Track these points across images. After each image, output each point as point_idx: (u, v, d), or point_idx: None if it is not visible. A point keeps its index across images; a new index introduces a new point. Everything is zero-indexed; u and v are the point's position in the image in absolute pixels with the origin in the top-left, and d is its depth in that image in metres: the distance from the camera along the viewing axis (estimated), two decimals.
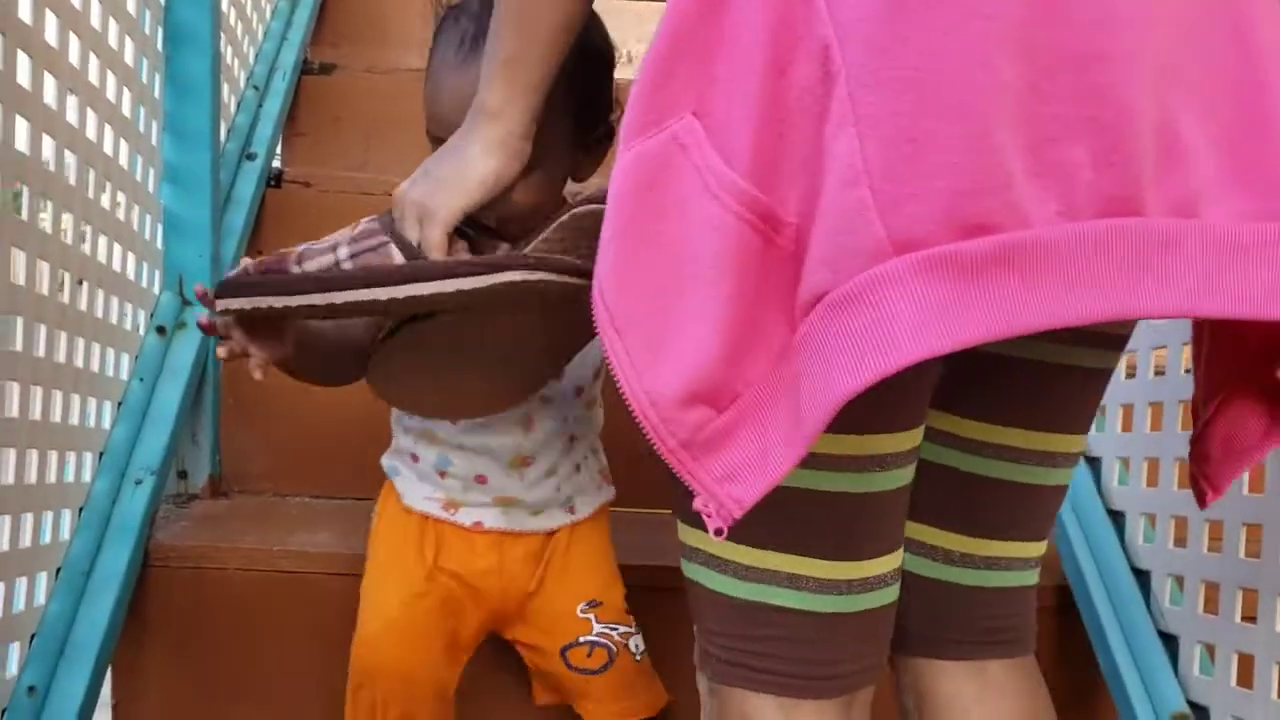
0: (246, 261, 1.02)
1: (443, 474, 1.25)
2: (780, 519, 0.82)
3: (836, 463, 0.82)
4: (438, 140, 1.09)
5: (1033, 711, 1.00)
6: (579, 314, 0.93)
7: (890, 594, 0.89)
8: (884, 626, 0.90)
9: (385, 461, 1.32)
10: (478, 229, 1.04)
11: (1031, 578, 1.03)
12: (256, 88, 2.14)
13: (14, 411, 1.19)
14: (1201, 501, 0.89)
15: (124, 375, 1.53)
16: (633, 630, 1.29)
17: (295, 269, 1.00)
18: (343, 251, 1.02)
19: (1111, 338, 0.95)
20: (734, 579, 0.86)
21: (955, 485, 0.97)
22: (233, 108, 2.00)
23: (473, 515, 1.25)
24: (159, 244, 1.66)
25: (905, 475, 0.87)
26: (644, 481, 1.36)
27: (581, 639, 1.27)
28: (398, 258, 0.98)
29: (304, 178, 2.08)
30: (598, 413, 1.31)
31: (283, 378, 1.14)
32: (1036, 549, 1.02)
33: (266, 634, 1.49)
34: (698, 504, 0.71)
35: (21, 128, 1.19)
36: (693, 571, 0.90)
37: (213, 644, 1.49)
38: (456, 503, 1.26)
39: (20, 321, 1.20)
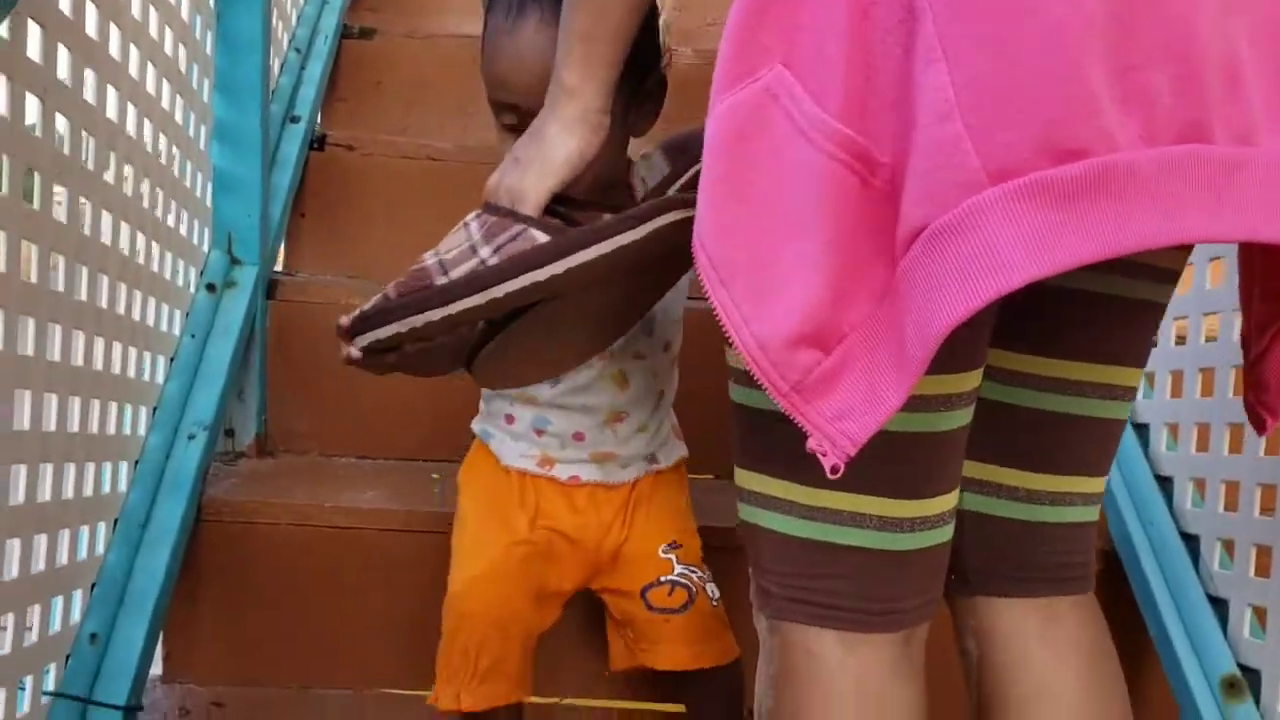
0: (388, 288, 1.00)
1: (540, 432, 1.27)
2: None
3: (905, 403, 0.83)
4: (497, 104, 1.11)
5: (1097, 646, 1.01)
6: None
7: (947, 532, 0.90)
8: (941, 563, 0.91)
9: (477, 426, 1.34)
10: (567, 205, 1.04)
11: (1093, 514, 1.03)
12: (299, 51, 2.14)
13: (79, 360, 1.20)
14: (1260, 427, 0.90)
15: (175, 331, 1.54)
16: (708, 578, 1.31)
17: (441, 279, 0.96)
18: (485, 251, 0.97)
19: (1166, 271, 0.96)
20: (797, 519, 0.87)
21: (1017, 421, 0.98)
22: (276, 70, 2.01)
23: (569, 470, 1.28)
24: (208, 202, 1.67)
25: (966, 415, 0.87)
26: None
27: (663, 578, 1.29)
28: (542, 238, 0.96)
29: (347, 141, 2.08)
30: (675, 372, 1.34)
31: (333, 338, 1.17)
32: (1097, 484, 1.02)
33: (317, 588, 1.51)
34: (811, 444, 0.72)
35: (89, 78, 1.20)
36: (752, 515, 0.91)
37: (263, 598, 1.51)
38: (552, 459, 1.28)
39: (85, 271, 1.21)
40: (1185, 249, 0.99)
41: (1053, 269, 0.63)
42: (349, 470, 1.72)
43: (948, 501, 0.88)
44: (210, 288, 1.63)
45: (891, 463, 0.85)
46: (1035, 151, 0.64)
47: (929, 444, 0.85)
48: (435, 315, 0.92)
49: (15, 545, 1.08)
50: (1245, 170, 0.66)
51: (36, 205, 1.09)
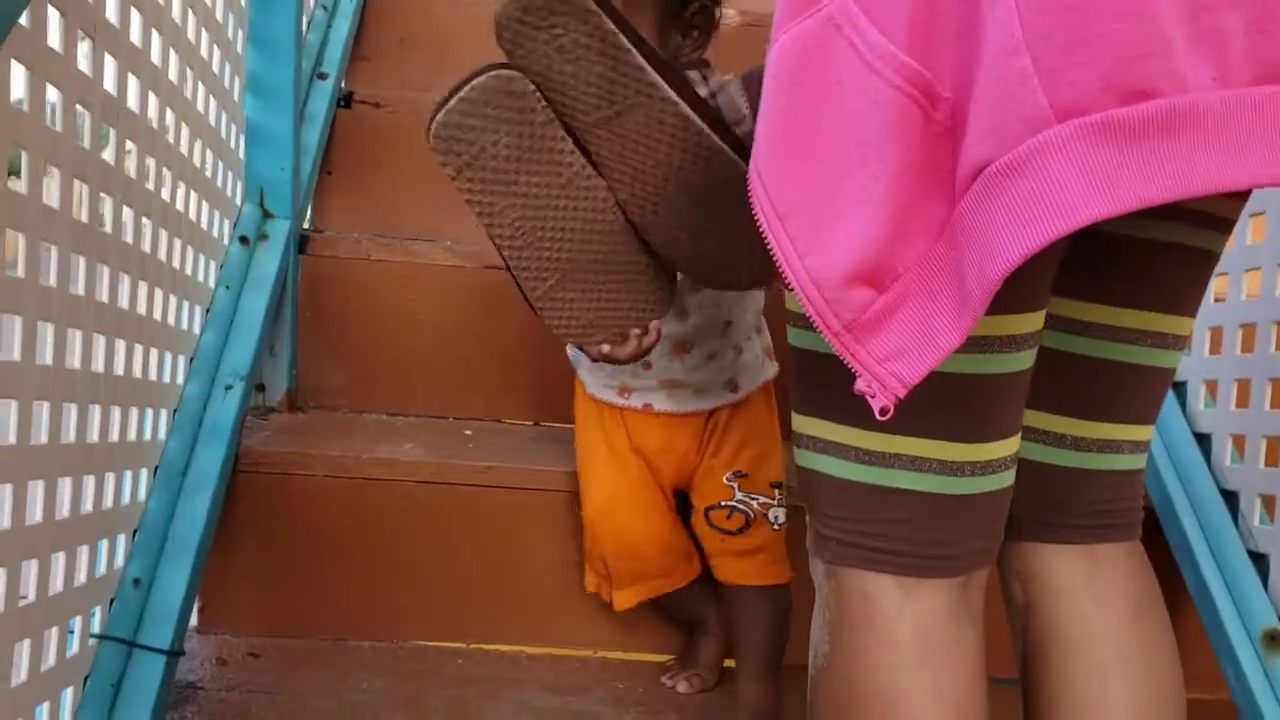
0: None
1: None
2: (904, 401, 0.82)
3: (964, 344, 0.82)
4: None
5: (1144, 592, 1.01)
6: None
7: (1009, 477, 0.89)
8: (1001, 508, 0.90)
9: (569, 351, 1.41)
10: None
11: (1141, 461, 1.03)
12: (325, 8, 2.13)
13: (124, 303, 1.19)
14: None
15: (210, 283, 1.54)
16: (774, 503, 1.37)
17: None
18: None
19: (1219, 220, 0.95)
20: (855, 463, 0.86)
21: (1067, 368, 0.98)
22: (304, 27, 1.99)
23: (643, 399, 1.37)
24: (241, 154, 1.66)
25: (1029, 358, 0.86)
26: None
27: (723, 502, 1.38)
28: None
29: (373, 99, 2.08)
30: (755, 295, 1.37)
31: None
32: (1146, 432, 1.02)
33: (352, 540, 1.51)
34: (860, 385, 0.71)
35: (135, 20, 1.19)
36: (810, 460, 0.90)
37: (298, 549, 1.51)
38: (630, 387, 1.37)
39: (130, 214, 1.20)
40: (1242, 197, 0.98)
41: (1116, 209, 0.62)
42: (380, 425, 1.72)
43: (1009, 446, 0.87)
44: (243, 240, 1.63)
45: (952, 406, 0.84)
46: (1103, 90, 0.63)
47: (990, 386, 0.85)
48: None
49: (66, 484, 1.07)
50: None
51: (86, 144, 1.08)
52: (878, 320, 0.71)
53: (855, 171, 0.71)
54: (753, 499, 1.36)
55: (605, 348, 1.10)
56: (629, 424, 1.39)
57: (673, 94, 0.96)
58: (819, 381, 0.87)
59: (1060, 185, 0.63)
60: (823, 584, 0.91)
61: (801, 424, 0.91)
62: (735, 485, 1.37)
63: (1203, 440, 1.49)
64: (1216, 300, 1.49)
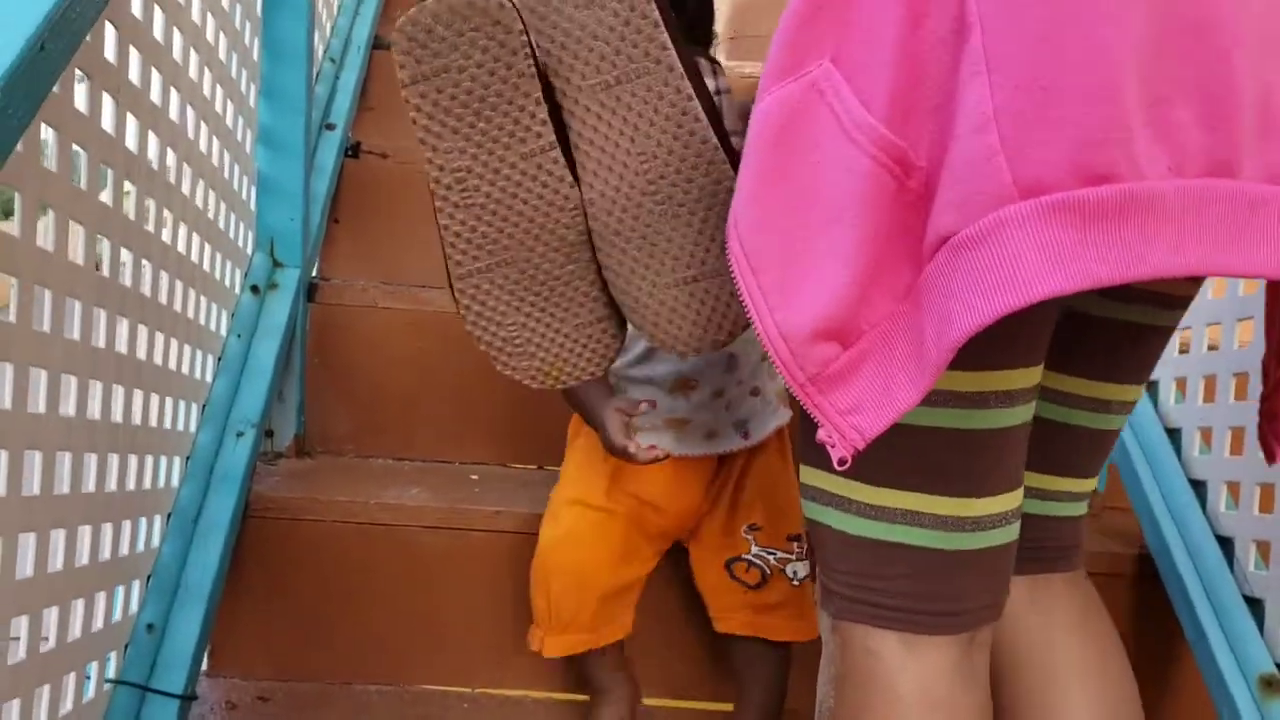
0: None
1: None
2: (901, 456, 0.85)
3: (956, 399, 0.84)
4: None
5: (1085, 604, 1.06)
6: None
7: (1011, 532, 0.91)
8: (1005, 564, 0.92)
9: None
10: None
11: (1082, 509, 1.09)
12: (333, 60, 2.17)
13: (141, 354, 1.22)
14: (1271, 457, 0.93)
15: (222, 331, 1.56)
16: (793, 558, 1.35)
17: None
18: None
19: (1176, 299, 1.01)
20: (857, 517, 0.88)
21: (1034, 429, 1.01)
22: (313, 79, 2.03)
23: (648, 439, 1.32)
24: (252, 205, 1.69)
25: (1025, 413, 0.89)
26: None
27: (742, 555, 1.36)
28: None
29: (381, 149, 2.11)
30: None
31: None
32: (1089, 484, 1.08)
33: (361, 585, 1.53)
34: (821, 435, 0.75)
35: (155, 80, 1.22)
36: (815, 512, 0.92)
37: (307, 594, 1.53)
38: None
39: (149, 267, 1.23)
40: (1197, 281, 1.02)
41: (1070, 287, 0.65)
42: (387, 470, 1.74)
43: (1008, 501, 0.89)
44: (254, 289, 1.66)
45: (947, 461, 0.86)
46: (1065, 171, 0.66)
47: (986, 441, 0.87)
48: None
49: (86, 532, 1.09)
50: (1268, 207, 0.68)
51: (109, 201, 1.11)
52: (841, 375, 0.75)
53: (826, 231, 0.74)
54: (770, 554, 1.34)
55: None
56: (632, 465, 1.30)
57: (681, 68, 0.87)
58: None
59: (1018, 260, 0.66)
60: (829, 638, 0.93)
61: (807, 475, 0.93)
62: (751, 539, 1.35)
63: (1198, 486, 1.51)
64: (1211, 349, 1.52)
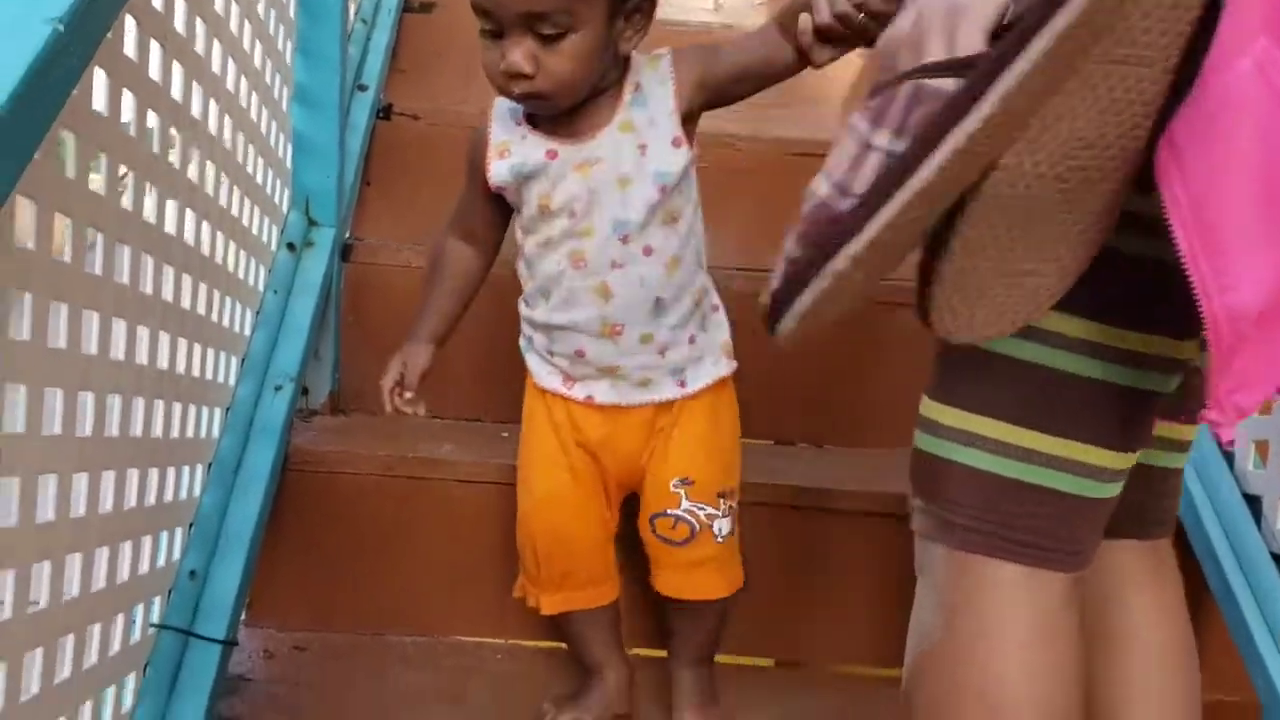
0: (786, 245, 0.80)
1: (550, 353, 1.31)
2: (1061, 404, 0.86)
3: (1117, 355, 0.85)
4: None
5: (1183, 587, 1.08)
6: None
7: (1120, 488, 0.92)
8: (1108, 514, 0.93)
9: (521, 341, 1.38)
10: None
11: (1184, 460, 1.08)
12: (365, 21, 2.18)
13: (185, 303, 1.24)
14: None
15: (260, 287, 1.58)
16: (719, 514, 1.32)
17: (847, 202, 0.76)
18: (882, 139, 0.76)
19: None
20: (997, 456, 0.88)
21: None
22: (346, 38, 2.04)
23: (585, 389, 1.30)
24: (288, 163, 1.71)
25: (1174, 383, 0.90)
26: None
27: (668, 511, 1.32)
28: (950, 86, 0.73)
29: (412, 110, 2.12)
30: (695, 276, 1.29)
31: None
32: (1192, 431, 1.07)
33: (397, 537, 1.55)
34: (1210, 414, 0.73)
35: (200, 29, 1.24)
36: (941, 448, 0.92)
37: (344, 546, 1.55)
38: (572, 377, 1.31)
39: (191, 217, 1.25)
40: None
41: None
42: (422, 427, 1.74)
43: (1135, 459, 0.91)
44: (290, 247, 1.67)
45: (1108, 413, 0.87)
46: None
47: (1140, 401, 0.88)
48: (857, 247, 0.73)
49: (134, 475, 1.11)
50: None
51: (156, 149, 1.13)
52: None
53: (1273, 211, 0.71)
54: (699, 509, 1.31)
55: None
56: (574, 416, 1.31)
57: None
58: (968, 374, 0.90)
59: None
60: (938, 568, 0.93)
61: (937, 411, 0.92)
62: (682, 492, 1.31)
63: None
64: None
